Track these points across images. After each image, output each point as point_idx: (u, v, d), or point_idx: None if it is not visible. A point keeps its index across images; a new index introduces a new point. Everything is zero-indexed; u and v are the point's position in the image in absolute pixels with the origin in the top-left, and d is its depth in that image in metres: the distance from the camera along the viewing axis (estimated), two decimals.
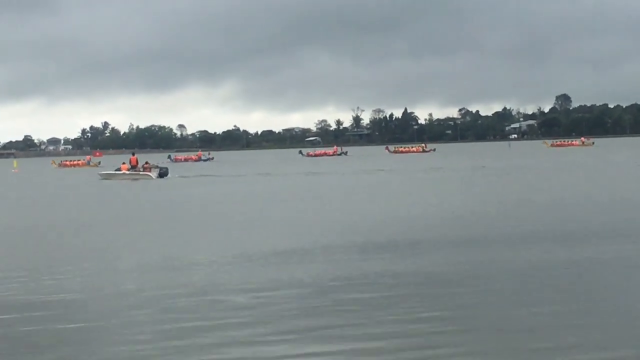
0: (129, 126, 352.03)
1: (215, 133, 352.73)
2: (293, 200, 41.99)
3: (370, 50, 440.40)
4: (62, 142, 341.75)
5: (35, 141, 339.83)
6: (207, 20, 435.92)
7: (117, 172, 77.68)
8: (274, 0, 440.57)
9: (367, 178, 65.23)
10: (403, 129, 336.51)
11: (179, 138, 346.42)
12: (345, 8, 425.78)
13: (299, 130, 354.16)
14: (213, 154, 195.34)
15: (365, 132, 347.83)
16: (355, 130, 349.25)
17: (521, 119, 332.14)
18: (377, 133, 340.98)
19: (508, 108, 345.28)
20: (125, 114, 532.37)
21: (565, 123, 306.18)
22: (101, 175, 79.67)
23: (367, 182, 58.77)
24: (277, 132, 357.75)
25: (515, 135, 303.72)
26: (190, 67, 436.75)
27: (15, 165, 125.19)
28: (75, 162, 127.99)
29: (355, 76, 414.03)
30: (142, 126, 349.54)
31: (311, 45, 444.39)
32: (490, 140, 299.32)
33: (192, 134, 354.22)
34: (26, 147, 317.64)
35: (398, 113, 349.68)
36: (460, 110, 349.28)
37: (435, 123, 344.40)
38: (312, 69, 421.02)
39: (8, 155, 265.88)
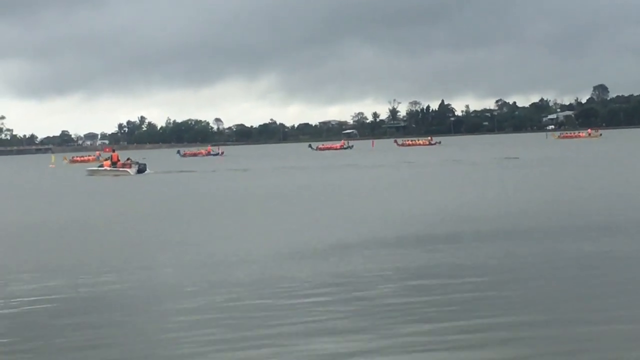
0: (166, 120, 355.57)
1: (251, 126, 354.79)
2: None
3: (411, 42, 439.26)
4: (99, 137, 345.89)
5: (73, 136, 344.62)
6: (249, 14, 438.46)
7: (100, 168, 79.52)
8: None
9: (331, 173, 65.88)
10: (440, 121, 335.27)
11: (215, 132, 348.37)
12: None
13: (336, 123, 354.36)
14: (249, 147, 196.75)
15: (402, 124, 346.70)
16: (392, 122, 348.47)
17: (558, 110, 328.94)
18: (413, 125, 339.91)
19: (545, 99, 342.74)
20: (163, 108, 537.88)
21: (603, 113, 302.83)
22: (87, 171, 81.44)
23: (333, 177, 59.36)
24: (313, 125, 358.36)
25: (553, 126, 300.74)
26: (230, 61, 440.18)
27: (52, 160, 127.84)
28: (85, 158, 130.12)
29: (394, 68, 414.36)
30: (179, 120, 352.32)
31: (352, 38, 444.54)
32: (527, 131, 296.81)
33: (229, 128, 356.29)
34: (63, 142, 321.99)
35: (435, 105, 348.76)
36: (497, 101, 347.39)
37: (472, 115, 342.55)
38: (351, 62, 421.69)
39: (45, 151, 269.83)
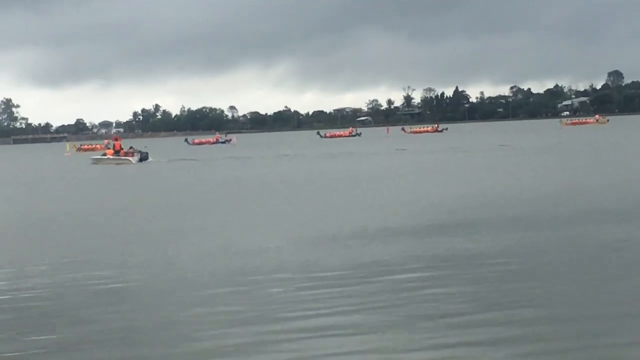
0: (181, 108, 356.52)
1: (266, 114, 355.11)
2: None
3: (426, 29, 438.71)
4: (113, 125, 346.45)
5: (88, 124, 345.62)
6: (264, 1, 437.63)
7: (103, 157, 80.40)
8: None
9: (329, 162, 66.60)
10: (454, 108, 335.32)
11: (230, 119, 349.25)
12: None
13: (350, 111, 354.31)
14: (262, 135, 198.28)
15: (417, 111, 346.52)
16: (407, 109, 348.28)
17: (573, 96, 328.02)
18: (428, 112, 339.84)
19: (560, 85, 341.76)
20: (178, 96, 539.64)
21: (618, 99, 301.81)
22: (91, 159, 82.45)
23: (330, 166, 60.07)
24: (328, 112, 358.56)
25: (568, 113, 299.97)
26: (245, 49, 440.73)
27: (68, 148, 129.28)
28: (93, 146, 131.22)
29: (409, 55, 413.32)
30: (194, 108, 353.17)
31: (367, 25, 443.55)
32: (542, 117, 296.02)
33: (243, 115, 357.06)
34: (78, 130, 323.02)
35: (449, 92, 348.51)
36: (511, 88, 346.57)
37: (487, 101, 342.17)
38: (366, 49, 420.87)
39: (60, 139, 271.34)
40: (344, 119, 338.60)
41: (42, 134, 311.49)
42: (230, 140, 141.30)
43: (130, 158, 76.55)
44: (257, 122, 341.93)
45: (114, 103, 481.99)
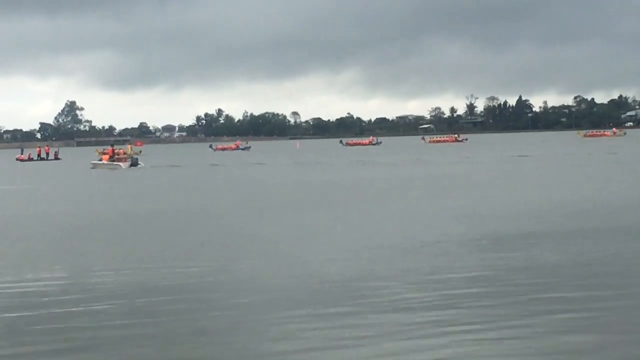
0: (243, 113, 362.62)
1: (328, 120, 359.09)
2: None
3: (497, 38, 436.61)
4: (176, 129, 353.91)
5: (151, 128, 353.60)
6: (338, 9, 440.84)
7: (99, 162, 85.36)
8: None
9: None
10: (517, 117, 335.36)
11: (292, 125, 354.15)
12: None
13: (413, 118, 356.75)
14: (325, 141, 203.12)
15: (479, 119, 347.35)
16: (469, 117, 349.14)
17: (637, 107, 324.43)
18: (490, 121, 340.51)
19: (624, 96, 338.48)
20: (243, 101, 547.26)
21: None
22: (91, 164, 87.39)
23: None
24: (390, 119, 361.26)
25: (631, 123, 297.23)
26: (314, 55, 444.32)
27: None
28: (117, 151, 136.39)
29: (478, 63, 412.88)
30: (257, 113, 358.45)
31: (439, 33, 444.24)
32: (605, 128, 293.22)
33: (306, 121, 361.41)
34: (141, 133, 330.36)
35: (513, 101, 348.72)
36: (575, 97, 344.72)
37: (550, 111, 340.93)
38: (436, 57, 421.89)
39: (123, 142, 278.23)
40: (407, 126, 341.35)
41: (106, 136, 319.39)
42: (249, 147, 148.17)
43: (121, 164, 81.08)
44: (320, 128, 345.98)
45: (179, 107, 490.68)
